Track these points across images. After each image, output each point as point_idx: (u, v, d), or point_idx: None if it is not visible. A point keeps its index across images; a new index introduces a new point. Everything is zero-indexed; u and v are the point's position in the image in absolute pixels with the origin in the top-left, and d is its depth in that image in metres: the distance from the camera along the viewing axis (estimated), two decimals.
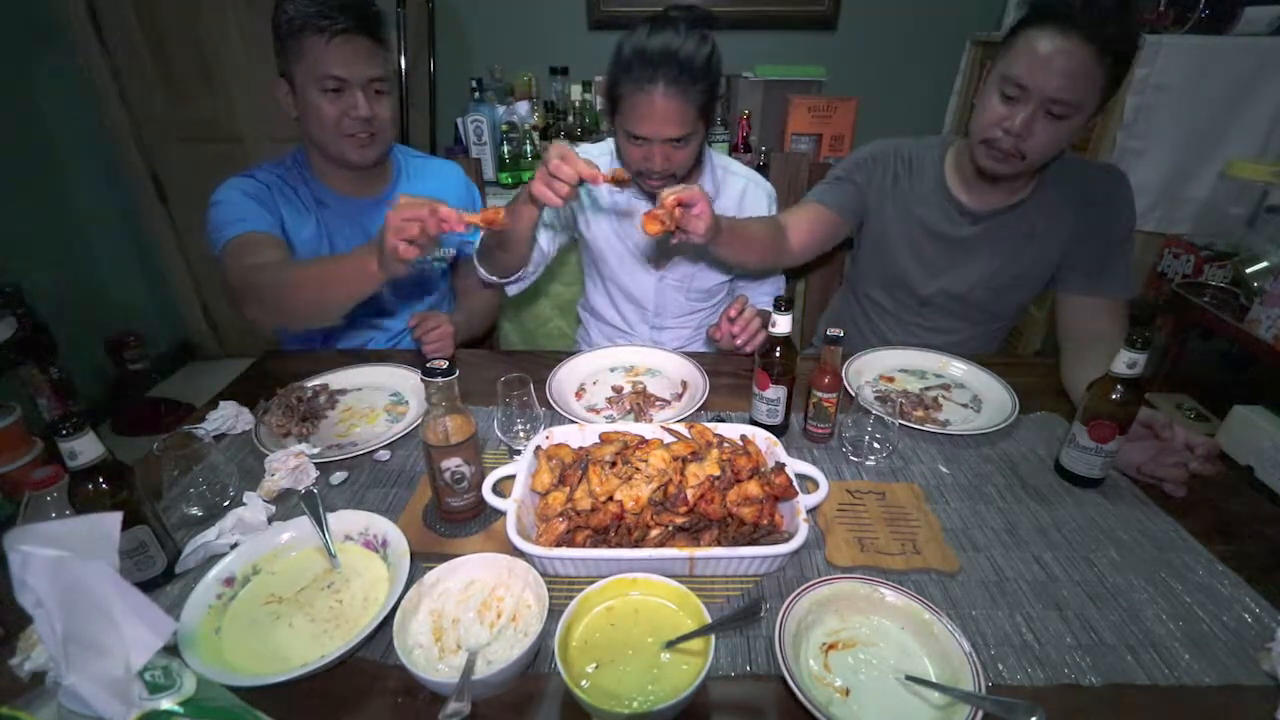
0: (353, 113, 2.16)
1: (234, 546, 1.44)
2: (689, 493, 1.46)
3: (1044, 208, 2.18)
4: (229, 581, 1.36)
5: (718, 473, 1.50)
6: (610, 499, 1.47)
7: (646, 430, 1.69)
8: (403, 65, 4.23)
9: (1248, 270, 3.11)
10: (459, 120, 4.23)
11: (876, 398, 1.83)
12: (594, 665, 1.14)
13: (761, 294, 2.56)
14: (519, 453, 1.72)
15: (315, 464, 1.71)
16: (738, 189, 2.45)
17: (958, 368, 2.21)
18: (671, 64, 1.99)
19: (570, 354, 2.22)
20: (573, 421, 1.86)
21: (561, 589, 1.35)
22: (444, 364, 1.42)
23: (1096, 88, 1.84)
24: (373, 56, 2.15)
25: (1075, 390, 1.97)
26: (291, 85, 2.16)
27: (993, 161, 2.05)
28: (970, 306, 2.38)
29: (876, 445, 1.77)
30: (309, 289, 1.91)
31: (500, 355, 2.32)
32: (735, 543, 1.42)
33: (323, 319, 1.98)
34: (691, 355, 2.23)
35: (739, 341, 2.12)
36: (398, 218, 1.70)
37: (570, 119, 4.28)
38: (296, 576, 1.40)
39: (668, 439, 1.65)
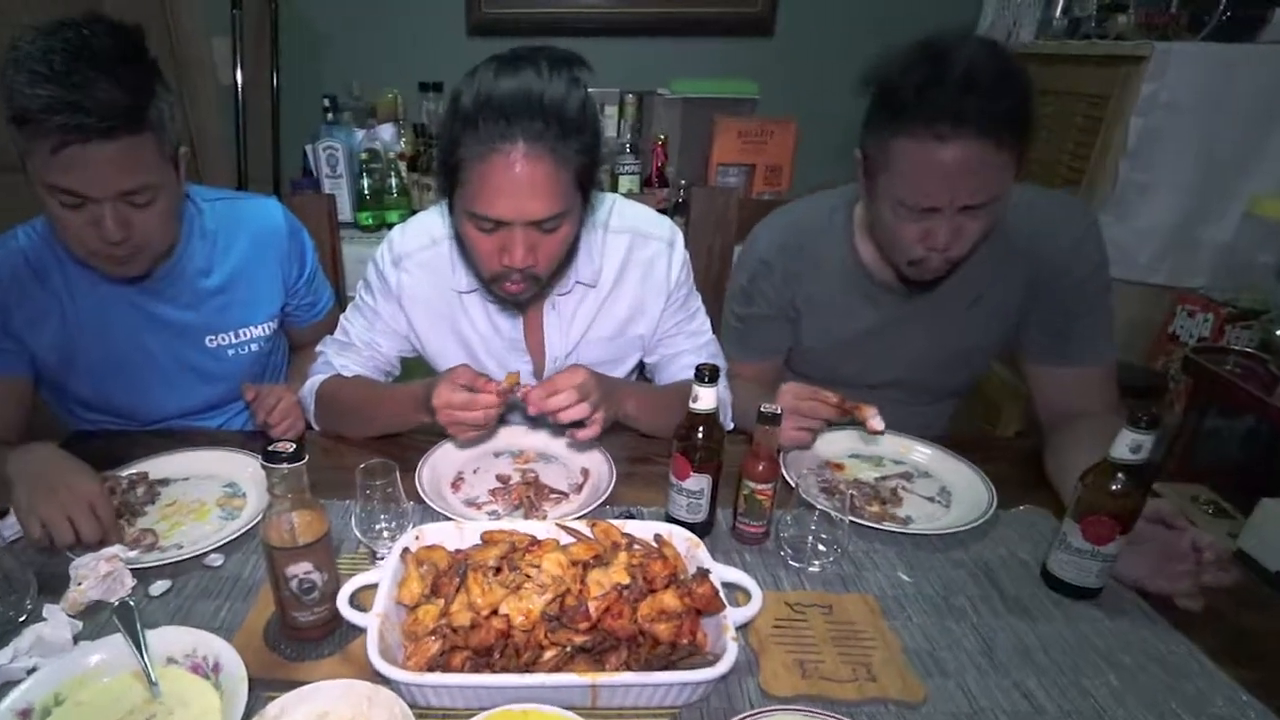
0: (97, 233, 1.92)
1: (32, 671, 1.43)
2: (591, 605, 1.47)
3: (989, 262, 2.21)
4: (25, 714, 1.35)
5: (627, 581, 1.51)
6: (494, 613, 1.48)
7: (539, 529, 1.70)
8: (239, 80, 4.26)
9: (1279, 332, 3.13)
10: (308, 147, 4.22)
11: (822, 489, 1.84)
12: None
13: (683, 363, 2.42)
14: (383, 557, 1.74)
15: (132, 570, 1.70)
16: (618, 255, 2.29)
17: (922, 453, 2.26)
18: (534, 113, 1.79)
19: (446, 435, 2.19)
20: (449, 518, 1.87)
21: None
22: (290, 447, 1.43)
23: (1010, 170, 1.90)
24: (128, 162, 1.86)
25: (1059, 480, 2.02)
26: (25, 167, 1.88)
27: (922, 275, 2.13)
28: (918, 389, 2.47)
29: (822, 548, 1.78)
30: None
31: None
32: (648, 666, 1.42)
33: None
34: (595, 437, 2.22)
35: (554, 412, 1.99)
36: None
37: None
38: (109, 707, 1.39)
39: (565, 540, 1.66)
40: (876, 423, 2.07)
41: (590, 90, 1.89)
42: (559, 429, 2.23)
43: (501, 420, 2.35)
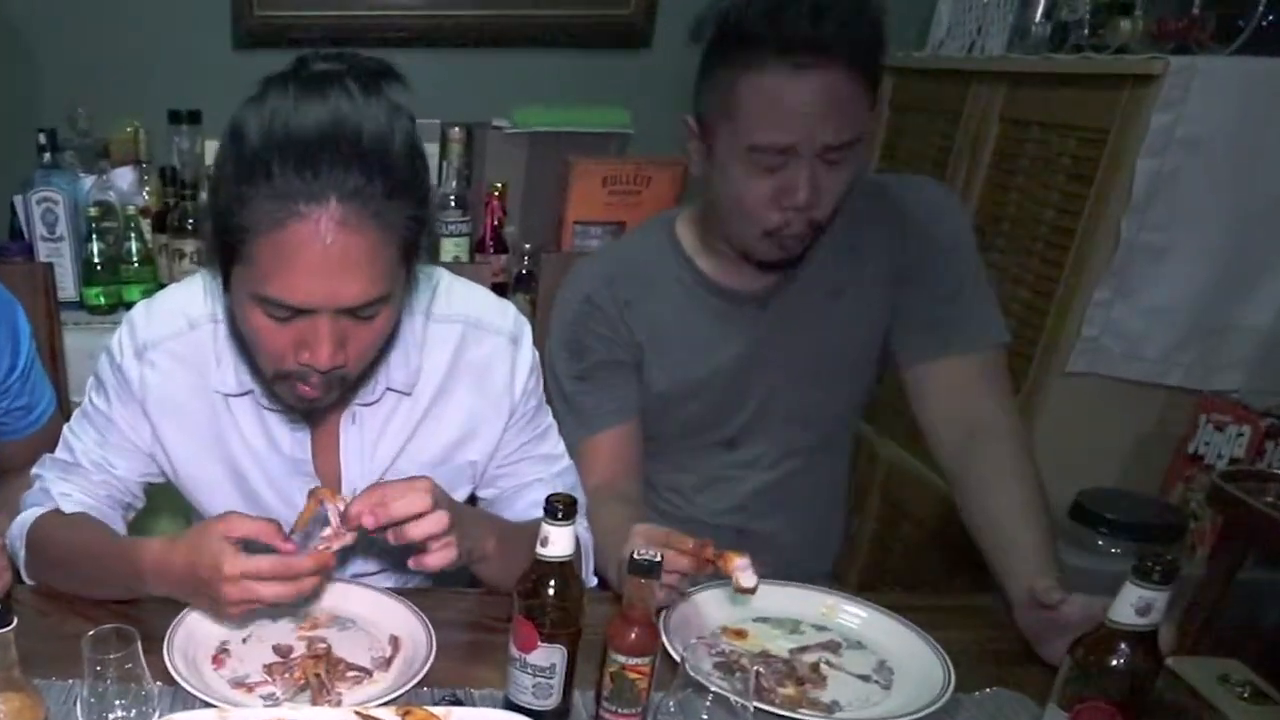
0: None
1: None
2: None
3: (844, 250, 2.41)
4: None
5: None
6: None
7: (332, 719, 1.69)
8: None
9: None
10: (17, 199, 4.14)
11: (717, 665, 1.83)
12: None
13: (533, 498, 2.29)
14: None
15: None
16: (444, 353, 2.25)
17: (853, 614, 2.25)
18: (351, 159, 1.71)
19: None
20: (209, 704, 1.84)
21: None
22: None
23: (867, 111, 2.15)
24: None
25: (979, 537, 2.23)
26: None
27: (781, 250, 2.29)
28: (798, 427, 2.61)
29: None
30: None
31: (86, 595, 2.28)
32: None
33: None
34: (407, 594, 2.24)
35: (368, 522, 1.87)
36: None
37: (204, 197, 4.00)
38: None
39: None
40: (746, 578, 2.02)
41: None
42: (364, 587, 2.26)
43: None
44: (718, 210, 2.39)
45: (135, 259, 4.10)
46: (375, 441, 2.28)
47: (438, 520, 1.85)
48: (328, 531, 1.91)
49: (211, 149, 3.99)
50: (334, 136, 1.71)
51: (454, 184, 4.30)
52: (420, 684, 1.94)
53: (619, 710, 1.81)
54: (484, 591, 2.29)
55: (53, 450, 2.35)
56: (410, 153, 1.81)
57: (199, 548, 1.92)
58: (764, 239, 2.26)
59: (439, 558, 1.89)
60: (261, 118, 1.74)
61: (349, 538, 1.90)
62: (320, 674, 1.98)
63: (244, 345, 2.09)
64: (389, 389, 2.22)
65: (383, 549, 2.32)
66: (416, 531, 1.84)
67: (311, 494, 1.94)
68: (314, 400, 2.00)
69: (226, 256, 1.86)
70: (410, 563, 1.94)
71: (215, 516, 1.98)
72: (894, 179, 2.57)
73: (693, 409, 2.62)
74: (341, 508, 1.89)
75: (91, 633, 1.66)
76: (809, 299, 2.48)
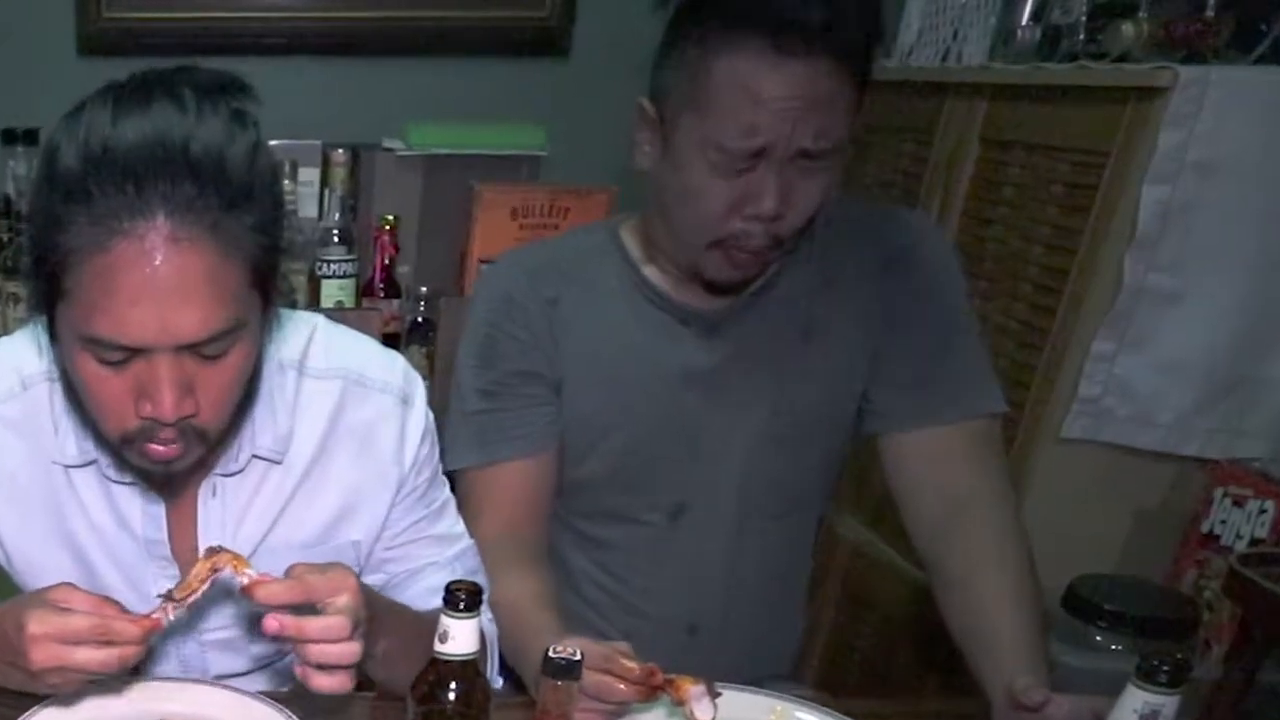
0: None
1: None
2: None
3: (817, 277, 2.42)
4: None
5: None
6: None
7: None
8: None
9: None
10: None
11: None
12: None
13: (428, 584, 2.29)
14: None
15: None
16: (321, 414, 2.20)
17: None
18: (179, 169, 1.66)
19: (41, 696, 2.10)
20: None
21: None
22: None
23: (850, 121, 2.16)
24: None
25: (961, 621, 2.23)
26: None
27: (732, 266, 2.29)
28: (755, 490, 2.59)
29: None
30: None
31: None
32: None
33: None
34: (281, 700, 2.17)
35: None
36: None
37: None
38: None
39: None
40: (702, 710, 1.94)
41: (268, 140, 1.78)
42: (224, 689, 2.20)
43: (135, 669, 2.08)
44: (664, 213, 2.39)
45: None
46: (240, 518, 2.21)
47: (345, 652, 1.76)
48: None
49: None
50: (159, 147, 1.66)
51: (337, 216, 4.20)
52: None
53: None
54: (376, 695, 2.23)
55: None
56: (253, 159, 1.76)
57: (14, 608, 1.89)
58: (713, 250, 2.27)
59: (332, 685, 1.79)
60: (75, 133, 1.70)
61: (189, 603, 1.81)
62: None
63: (83, 406, 2.02)
64: (255, 456, 2.15)
65: (253, 640, 2.28)
66: (315, 652, 1.75)
67: (210, 553, 1.81)
68: (170, 460, 1.90)
69: (48, 296, 1.81)
70: (296, 670, 1.82)
71: (51, 585, 1.91)
72: (879, 209, 2.59)
73: (627, 444, 2.59)
74: (245, 580, 1.77)
75: None
76: (775, 334, 2.48)
